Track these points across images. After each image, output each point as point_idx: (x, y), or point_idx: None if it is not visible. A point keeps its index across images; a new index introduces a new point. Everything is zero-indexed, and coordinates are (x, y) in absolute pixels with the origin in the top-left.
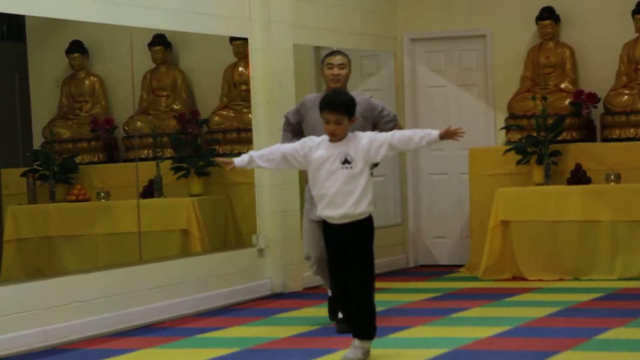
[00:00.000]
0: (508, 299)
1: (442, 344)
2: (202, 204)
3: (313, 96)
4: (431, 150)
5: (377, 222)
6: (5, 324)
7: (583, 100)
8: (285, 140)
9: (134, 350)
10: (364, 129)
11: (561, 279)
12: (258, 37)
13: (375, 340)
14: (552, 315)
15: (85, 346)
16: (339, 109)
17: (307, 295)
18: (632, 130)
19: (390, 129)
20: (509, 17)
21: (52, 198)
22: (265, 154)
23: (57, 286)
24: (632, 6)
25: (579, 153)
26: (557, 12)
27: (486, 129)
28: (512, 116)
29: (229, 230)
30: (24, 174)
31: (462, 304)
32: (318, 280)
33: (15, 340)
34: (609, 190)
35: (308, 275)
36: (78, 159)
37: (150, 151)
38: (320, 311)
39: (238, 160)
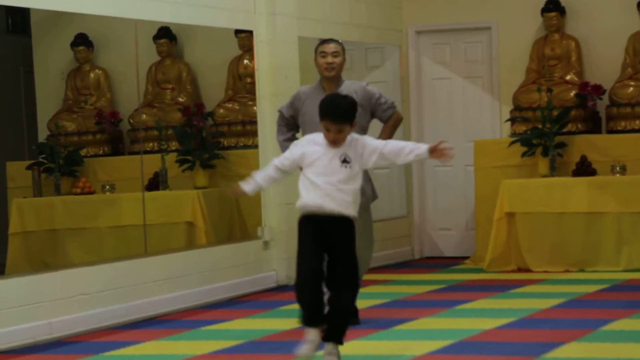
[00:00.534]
0: (513, 291)
1: (447, 335)
2: (207, 196)
3: (307, 88)
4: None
5: (382, 214)
6: (10, 317)
7: (588, 92)
8: (280, 135)
9: (139, 343)
10: (361, 117)
11: (566, 271)
12: (263, 29)
13: (381, 332)
14: (557, 306)
15: (90, 338)
16: (341, 119)
17: None
18: (637, 122)
19: (389, 117)
20: (515, 9)
21: (58, 191)
22: (269, 176)
23: (62, 279)
24: None
25: (584, 145)
26: (563, 4)
27: (491, 121)
28: (517, 108)
29: (234, 222)
30: (29, 167)
31: (468, 295)
32: None
33: (21, 333)
34: (614, 182)
35: None
36: (83, 152)
37: (156, 144)
38: None
39: (250, 190)
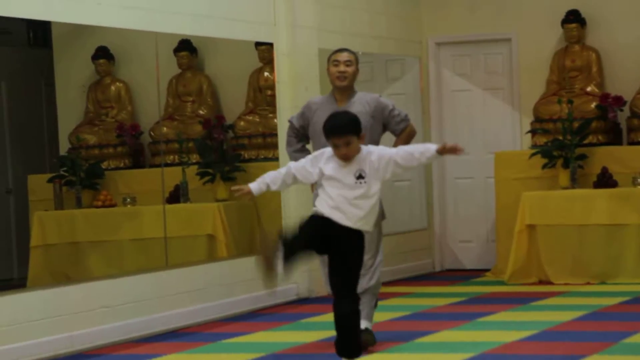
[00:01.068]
0: (534, 303)
1: (468, 348)
2: (228, 209)
3: (319, 98)
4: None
5: (402, 227)
6: (32, 330)
7: (609, 103)
8: (289, 146)
9: (160, 356)
10: (373, 130)
11: (588, 283)
12: (283, 41)
13: (402, 345)
14: (578, 319)
15: (111, 351)
16: (344, 131)
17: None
18: None
19: (402, 130)
20: (535, 20)
21: (79, 204)
22: (280, 178)
23: (83, 291)
24: None
25: (605, 156)
26: (583, 15)
27: (512, 132)
28: (537, 120)
29: (255, 235)
30: (50, 180)
31: (488, 308)
32: None
33: (42, 346)
34: (636, 193)
35: None
36: (104, 165)
37: (176, 156)
38: None
39: (256, 189)
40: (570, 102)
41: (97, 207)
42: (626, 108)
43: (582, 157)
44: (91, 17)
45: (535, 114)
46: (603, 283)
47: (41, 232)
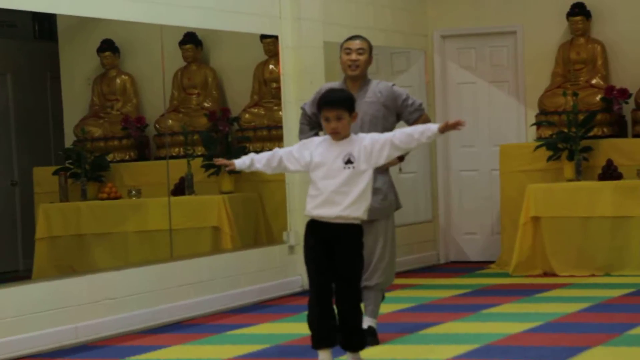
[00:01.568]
0: (539, 295)
1: (473, 340)
2: (233, 201)
3: (331, 85)
4: (461, 146)
5: (407, 219)
6: (36, 321)
7: (614, 96)
8: (302, 133)
9: (165, 347)
10: (386, 119)
11: (592, 275)
12: (288, 34)
13: (406, 336)
14: (583, 310)
15: (116, 343)
16: (337, 104)
17: None
18: None
19: (416, 119)
20: (540, 13)
21: (84, 196)
22: (265, 157)
23: (88, 283)
24: None
25: (610, 149)
26: (588, 7)
27: (517, 125)
28: (542, 112)
29: (260, 227)
30: (55, 172)
31: (493, 300)
32: None
33: (47, 337)
34: None
35: None
36: (109, 157)
37: (181, 149)
38: None
39: (239, 162)
40: (575, 94)
41: (102, 199)
42: (631, 100)
43: (587, 149)
44: (96, 10)
45: (541, 107)
46: (607, 275)
47: (46, 224)
